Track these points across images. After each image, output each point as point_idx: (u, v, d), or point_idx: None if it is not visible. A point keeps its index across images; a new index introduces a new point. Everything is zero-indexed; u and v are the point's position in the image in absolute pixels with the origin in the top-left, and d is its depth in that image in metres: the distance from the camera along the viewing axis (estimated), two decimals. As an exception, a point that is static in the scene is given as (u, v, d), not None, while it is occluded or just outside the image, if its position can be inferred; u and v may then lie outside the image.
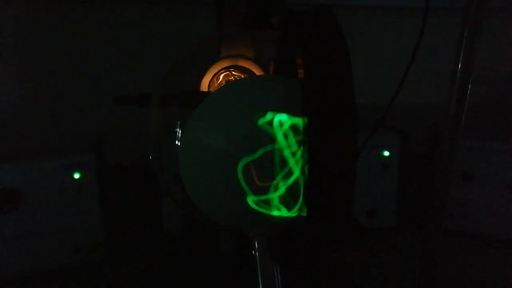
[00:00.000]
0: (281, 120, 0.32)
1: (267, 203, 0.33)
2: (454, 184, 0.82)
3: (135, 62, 0.90)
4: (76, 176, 0.72)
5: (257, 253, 0.38)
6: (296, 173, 0.32)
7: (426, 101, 1.03)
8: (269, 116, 0.32)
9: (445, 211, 0.76)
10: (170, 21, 0.91)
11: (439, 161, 0.67)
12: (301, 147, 0.32)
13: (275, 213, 0.34)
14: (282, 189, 0.33)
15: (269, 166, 0.32)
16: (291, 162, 0.32)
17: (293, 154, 0.32)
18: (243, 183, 0.32)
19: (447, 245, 0.82)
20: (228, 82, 0.46)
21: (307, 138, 0.28)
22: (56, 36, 0.87)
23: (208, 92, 0.47)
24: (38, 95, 0.88)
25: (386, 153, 0.84)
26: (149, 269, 0.76)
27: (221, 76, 0.48)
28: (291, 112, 0.32)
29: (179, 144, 0.40)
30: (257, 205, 0.33)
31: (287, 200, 0.33)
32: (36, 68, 0.87)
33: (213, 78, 0.48)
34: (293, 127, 0.32)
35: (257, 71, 0.48)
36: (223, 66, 0.48)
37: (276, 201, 0.33)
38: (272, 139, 0.32)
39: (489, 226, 0.85)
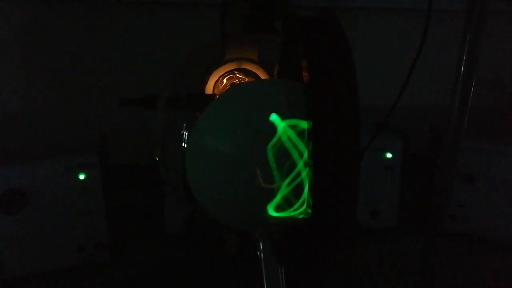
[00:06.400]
0: (287, 123, 0.32)
1: (273, 204, 0.34)
2: (456, 186, 0.82)
3: (140, 64, 0.91)
4: (81, 177, 0.73)
5: (261, 254, 0.39)
6: (302, 175, 0.33)
7: (428, 103, 1.03)
8: (275, 119, 0.32)
9: (447, 212, 0.76)
10: (175, 24, 0.91)
11: (441, 163, 0.68)
12: (306, 150, 0.32)
13: (280, 214, 0.34)
14: (287, 190, 0.33)
15: (275, 168, 0.32)
16: (296, 164, 0.32)
17: (298, 156, 0.33)
18: (249, 185, 0.33)
19: (449, 246, 0.83)
20: (232, 85, 0.47)
21: (311, 140, 0.29)
22: (62, 38, 0.87)
23: (213, 95, 0.47)
24: (44, 97, 0.89)
25: (388, 155, 0.85)
26: (153, 269, 0.76)
27: (225, 79, 0.49)
28: (296, 115, 0.33)
29: (185, 146, 0.40)
30: (263, 206, 0.34)
31: (292, 202, 0.34)
32: (41, 70, 0.88)
33: (217, 81, 0.48)
34: (298, 130, 0.33)
35: (261, 74, 0.48)
36: (227, 69, 0.48)
37: (281, 203, 0.34)
38: (278, 142, 0.32)
39: (491, 228, 0.86)
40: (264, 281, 0.38)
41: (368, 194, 0.86)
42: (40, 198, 0.71)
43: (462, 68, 0.63)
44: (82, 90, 0.91)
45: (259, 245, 0.39)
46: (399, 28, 1.01)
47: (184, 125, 0.41)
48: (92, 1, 0.87)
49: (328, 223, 0.32)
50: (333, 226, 0.32)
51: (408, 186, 0.87)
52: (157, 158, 0.46)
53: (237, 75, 0.48)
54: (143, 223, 0.89)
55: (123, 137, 0.87)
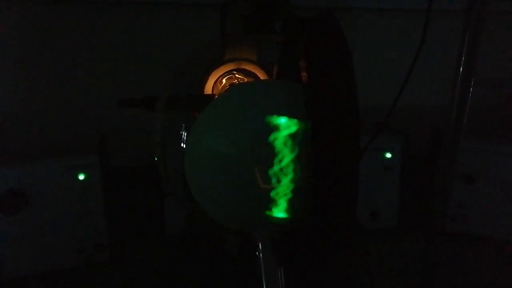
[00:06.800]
0: (286, 124, 0.32)
1: (271, 205, 0.34)
2: (456, 186, 0.82)
3: (140, 64, 0.91)
4: (81, 177, 0.73)
5: (261, 255, 0.39)
6: (300, 175, 0.33)
7: (428, 103, 1.03)
8: (273, 120, 0.32)
9: (447, 213, 0.76)
10: (175, 24, 0.91)
11: (441, 163, 0.68)
12: (305, 151, 0.32)
13: (280, 215, 0.34)
14: (286, 191, 0.33)
15: (273, 169, 0.32)
16: (296, 165, 0.32)
17: (297, 157, 0.33)
18: (248, 185, 0.33)
19: (448, 246, 0.83)
20: (232, 85, 0.47)
21: (311, 141, 0.29)
22: (62, 38, 0.87)
23: (212, 95, 0.47)
24: (44, 97, 0.89)
25: (388, 155, 0.85)
26: (153, 269, 0.76)
27: (225, 79, 0.49)
28: (295, 116, 0.33)
29: (184, 146, 0.40)
30: (262, 207, 0.34)
31: (291, 202, 0.34)
32: (41, 70, 0.88)
33: (216, 81, 0.48)
34: (297, 131, 0.33)
35: (261, 74, 0.48)
36: (227, 70, 0.48)
37: (280, 203, 0.34)
38: (277, 142, 0.32)
39: (490, 228, 0.86)
40: (264, 281, 0.38)
41: (368, 194, 0.86)
42: (40, 198, 0.71)
43: (462, 68, 0.63)
44: (82, 90, 0.91)
45: (259, 245, 0.39)
46: (399, 28, 1.01)
47: (184, 125, 0.41)
48: (92, 1, 0.87)
49: (328, 223, 0.32)
50: (333, 226, 0.33)
51: (408, 186, 0.87)
52: (156, 158, 0.46)
53: (236, 75, 0.48)
54: (143, 223, 0.89)
55: (123, 137, 0.87)
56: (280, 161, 0.32)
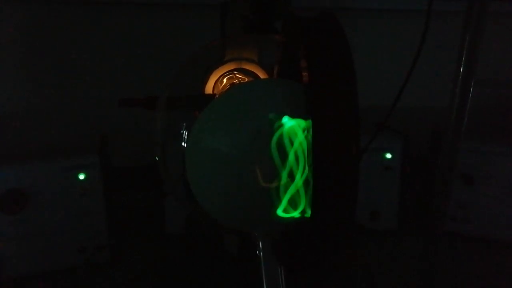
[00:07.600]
0: (286, 123, 0.32)
1: (272, 204, 0.34)
2: (456, 187, 0.82)
3: (140, 64, 0.91)
4: (81, 177, 0.73)
5: (261, 254, 0.39)
6: (301, 174, 0.33)
7: (428, 104, 1.03)
8: (274, 119, 0.32)
9: (447, 213, 0.76)
10: (175, 24, 0.91)
11: (441, 164, 0.68)
12: (306, 150, 0.32)
13: (280, 214, 0.34)
14: (286, 190, 0.33)
15: (274, 168, 0.32)
16: (296, 164, 0.32)
17: (298, 156, 0.33)
18: (249, 184, 0.33)
19: (448, 247, 0.83)
20: (232, 85, 0.47)
21: (311, 141, 0.29)
22: (62, 38, 0.87)
23: (213, 95, 0.47)
24: (44, 97, 0.89)
25: (388, 156, 0.85)
26: (153, 269, 0.76)
27: (225, 79, 0.49)
28: (295, 116, 0.33)
29: (185, 146, 0.40)
30: (262, 206, 0.34)
31: (292, 201, 0.34)
32: (41, 70, 0.88)
33: (217, 81, 0.48)
34: (297, 131, 0.33)
35: (261, 74, 0.48)
36: (227, 69, 0.48)
37: (280, 202, 0.34)
38: (278, 142, 0.32)
39: (490, 229, 0.86)
40: (264, 281, 0.38)
41: (368, 194, 0.86)
42: (40, 198, 0.71)
43: (462, 68, 0.63)
44: (82, 90, 0.91)
45: (259, 245, 0.39)
46: (399, 28, 1.01)
47: (184, 125, 0.42)
48: (92, 1, 0.87)
49: (328, 223, 0.32)
50: (333, 227, 0.33)
51: (408, 186, 0.87)
52: (157, 158, 0.46)
53: (237, 75, 0.49)
54: (143, 223, 0.89)
55: (123, 137, 0.87)
56: (281, 160, 0.32)
